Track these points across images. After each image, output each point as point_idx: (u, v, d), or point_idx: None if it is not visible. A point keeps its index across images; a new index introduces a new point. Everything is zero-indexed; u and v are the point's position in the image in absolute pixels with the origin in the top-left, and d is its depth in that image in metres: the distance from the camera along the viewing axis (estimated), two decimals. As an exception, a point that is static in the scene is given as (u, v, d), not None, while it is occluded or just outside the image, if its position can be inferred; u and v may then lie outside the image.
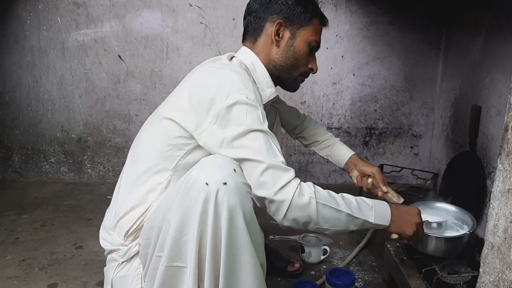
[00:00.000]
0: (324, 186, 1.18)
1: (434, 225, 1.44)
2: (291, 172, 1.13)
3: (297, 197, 1.10)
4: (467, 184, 1.87)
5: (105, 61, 2.45)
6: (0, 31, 2.38)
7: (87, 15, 2.39)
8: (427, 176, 2.36)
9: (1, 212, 2.12)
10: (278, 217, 1.12)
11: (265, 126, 1.14)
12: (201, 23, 2.43)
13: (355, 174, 1.60)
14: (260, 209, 1.59)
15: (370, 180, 1.54)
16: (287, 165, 1.14)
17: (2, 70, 2.42)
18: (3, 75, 2.43)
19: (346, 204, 1.16)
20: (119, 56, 2.45)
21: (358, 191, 1.62)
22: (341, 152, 1.65)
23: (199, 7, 2.41)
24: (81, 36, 2.42)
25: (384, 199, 1.44)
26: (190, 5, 2.40)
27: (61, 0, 2.37)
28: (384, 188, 1.50)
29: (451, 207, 1.55)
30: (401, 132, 2.63)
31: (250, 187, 1.06)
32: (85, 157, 2.57)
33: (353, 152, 1.64)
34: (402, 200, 1.49)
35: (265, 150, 1.12)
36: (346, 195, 1.20)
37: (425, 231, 1.31)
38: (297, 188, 1.10)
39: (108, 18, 2.40)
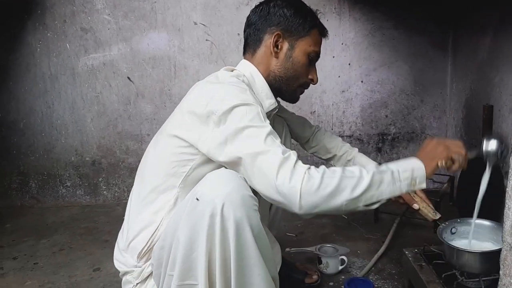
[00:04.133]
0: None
1: None
2: (293, 156, 1.04)
3: (307, 182, 1.00)
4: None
5: (115, 84, 2.49)
6: (12, 60, 2.43)
7: (95, 40, 2.44)
8: (443, 180, 2.32)
9: (20, 238, 2.15)
10: (294, 209, 1.02)
11: (266, 123, 1.10)
12: (206, 40, 2.45)
13: None
14: (273, 221, 1.60)
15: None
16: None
17: (16, 98, 2.48)
18: (16, 103, 2.48)
19: (363, 169, 1.06)
20: (128, 78, 2.48)
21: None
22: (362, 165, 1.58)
23: (204, 24, 2.43)
24: (90, 60, 2.46)
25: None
26: (195, 24, 2.43)
27: (69, 27, 2.42)
28: (416, 206, 1.38)
29: (486, 222, 1.44)
30: (414, 136, 2.60)
31: (256, 199, 1.05)
32: (100, 179, 2.59)
33: (375, 163, 1.51)
34: (438, 215, 1.38)
35: (263, 142, 1.05)
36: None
37: None
38: (305, 173, 1.01)
39: (116, 41, 2.44)
